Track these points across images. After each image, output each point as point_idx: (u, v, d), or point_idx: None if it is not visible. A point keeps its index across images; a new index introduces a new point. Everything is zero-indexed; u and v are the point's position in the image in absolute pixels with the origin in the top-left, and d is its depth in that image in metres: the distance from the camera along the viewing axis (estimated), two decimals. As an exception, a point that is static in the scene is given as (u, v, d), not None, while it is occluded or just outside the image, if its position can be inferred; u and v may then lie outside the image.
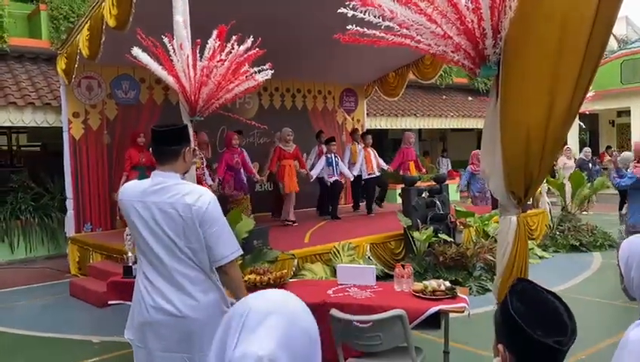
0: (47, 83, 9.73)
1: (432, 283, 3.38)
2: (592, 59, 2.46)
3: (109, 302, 4.13)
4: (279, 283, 3.68)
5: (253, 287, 3.66)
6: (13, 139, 12.37)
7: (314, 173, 8.97)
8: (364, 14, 2.70)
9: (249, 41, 5.14)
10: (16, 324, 5.71)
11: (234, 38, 5.00)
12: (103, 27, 6.41)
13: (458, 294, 3.36)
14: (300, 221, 8.72)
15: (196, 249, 2.44)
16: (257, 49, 5.20)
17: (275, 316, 1.07)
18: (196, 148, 6.98)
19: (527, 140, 2.55)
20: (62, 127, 8.70)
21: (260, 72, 5.32)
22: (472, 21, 2.62)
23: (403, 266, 3.66)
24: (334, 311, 3.07)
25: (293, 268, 6.04)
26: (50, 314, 6.17)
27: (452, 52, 2.75)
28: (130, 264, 4.19)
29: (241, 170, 8.69)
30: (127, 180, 8.13)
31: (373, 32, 2.80)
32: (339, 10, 2.71)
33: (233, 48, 5.01)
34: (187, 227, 2.42)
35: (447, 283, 3.41)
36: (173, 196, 2.45)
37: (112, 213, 8.89)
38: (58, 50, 8.52)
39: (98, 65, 8.20)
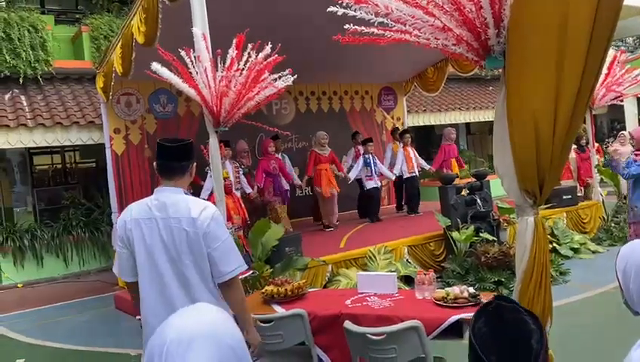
0: (90, 102, 10.06)
1: (455, 290, 3.20)
2: (602, 37, 2.23)
3: (137, 318, 4.16)
4: (298, 294, 3.59)
5: (271, 299, 3.60)
6: (67, 157, 12.90)
7: (352, 176, 8.85)
8: (357, 12, 2.57)
9: (268, 48, 5.09)
10: (59, 338, 5.89)
11: (250, 46, 4.96)
12: (134, 44, 6.53)
13: (482, 301, 3.15)
14: (340, 224, 8.62)
15: (200, 264, 2.41)
16: (277, 55, 5.14)
17: (198, 342, 1.00)
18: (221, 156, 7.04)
19: (536, 130, 2.35)
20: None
21: (280, 78, 5.25)
22: (471, 10, 2.45)
23: (425, 273, 3.48)
24: (348, 324, 2.95)
25: (328, 274, 5.94)
26: (94, 327, 6.34)
27: (453, 45, 2.58)
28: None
29: (280, 176, 8.68)
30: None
31: (373, 30, 2.67)
32: (328, 10, 2.59)
33: (250, 57, 4.97)
34: (192, 241, 2.40)
35: (471, 289, 3.21)
36: (177, 211, 2.44)
37: (157, 225, 9.09)
38: (97, 69, 8.79)
39: (135, 81, 8.38)
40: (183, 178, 2.55)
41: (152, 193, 8.57)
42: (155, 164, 2.65)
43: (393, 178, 9.49)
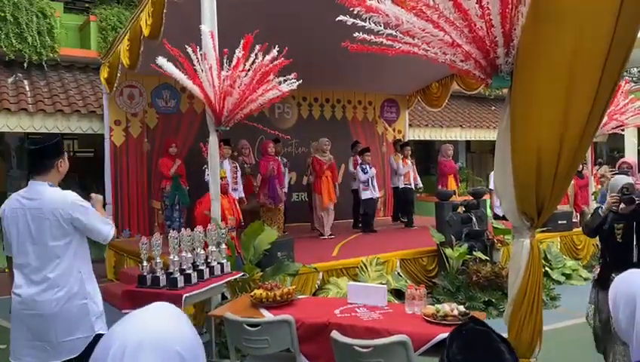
0: (94, 92, 10.03)
1: (445, 307, 3.17)
2: (614, 69, 2.22)
3: (123, 311, 4.12)
4: (287, 300, 3.55)
5: (259, 303, 3.57)
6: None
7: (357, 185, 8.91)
8: (367, 22, 2.56)
9: (275, 51, 5.08)
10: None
11: (257, 47, 4.95)
12: (142, 38, 6.51)
13: (472, 320, 3.12)
14: (334, 233, 8.59)
15: (60, 246, 2.81)
16: (283, 59, 5.13)
17: (144, 352, 0.94)
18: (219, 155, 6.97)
19: (538, 162, 2.33)
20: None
21: (285, 81, 5.24)
22: (482, 28, 2.44)
23: (416, 288, 3.46)
24: (335, 334, 2.92)
25: (318, 282, 5.91)
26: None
27: (461, 61, 2.58)
28: (145, 273, 4.16)
29: (276, 179, 8.62)
30: (164, 188, 8.28)
31: (382, 40, 2.66)
32: (337, 19, 2.58)
33: (257, 58, 4.96)
34: (53, 226, 2.79)
35: (462, 308, 3.19)
36: (41, 201, 2.81)
37: (151, 219, 9.09)
38: (102, 60, 8.77)
39: (140, 74, 8.35)
40: (49, 174, 2.86)
41: (147, 186, 8.47)
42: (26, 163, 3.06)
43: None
